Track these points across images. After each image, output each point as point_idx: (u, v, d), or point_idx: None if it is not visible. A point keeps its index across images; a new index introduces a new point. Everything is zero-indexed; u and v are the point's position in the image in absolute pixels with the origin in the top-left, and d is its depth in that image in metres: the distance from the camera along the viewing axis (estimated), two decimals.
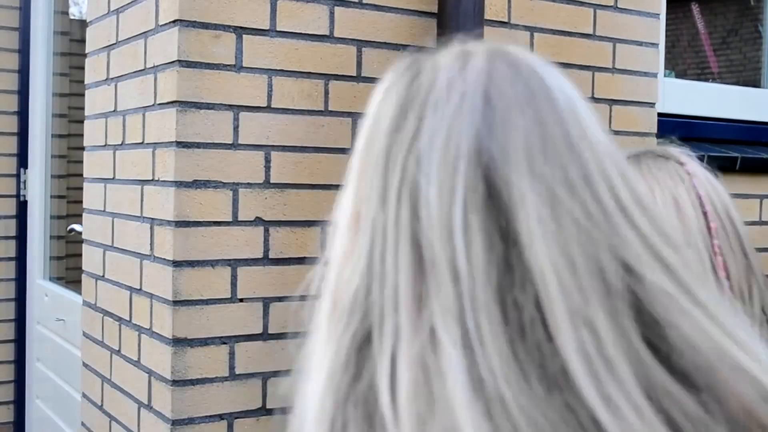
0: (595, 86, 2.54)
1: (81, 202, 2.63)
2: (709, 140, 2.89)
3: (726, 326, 0.58)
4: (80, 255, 2.64)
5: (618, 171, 0.62)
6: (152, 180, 2.06)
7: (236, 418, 2.00)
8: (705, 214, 1.00)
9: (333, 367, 0.59)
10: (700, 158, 2.99)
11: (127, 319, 2.22)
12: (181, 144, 1.94)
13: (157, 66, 2.04)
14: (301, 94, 2.07)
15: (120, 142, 2.29)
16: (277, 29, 2.04)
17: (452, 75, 0.63)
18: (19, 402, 4.04)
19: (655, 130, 2.69)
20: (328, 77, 2.10)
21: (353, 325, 0.59)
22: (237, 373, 2.00)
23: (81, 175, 2.63)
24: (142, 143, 2.13)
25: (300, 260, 2.08)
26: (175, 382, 1.94)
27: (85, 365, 2.57)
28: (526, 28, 2.40)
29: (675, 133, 2.78)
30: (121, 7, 2.27)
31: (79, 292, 2.73)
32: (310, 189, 2.08)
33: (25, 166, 4.02)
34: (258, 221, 2.03)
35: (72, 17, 4.14)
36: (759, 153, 2.94)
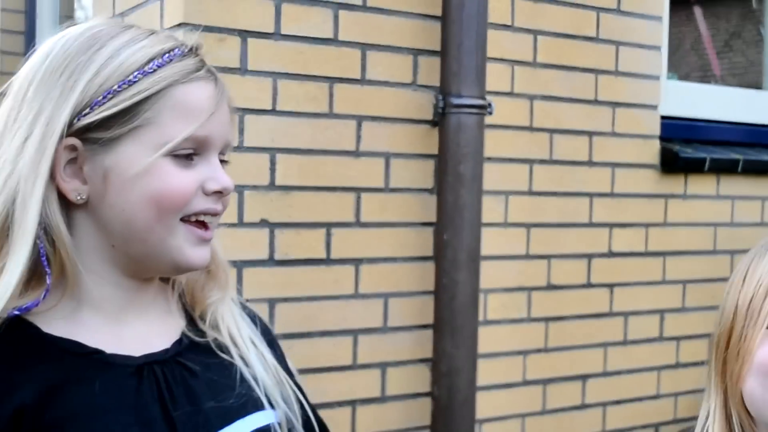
0: (598, 89, 2.55)
1: None
2: (711, 142, 2.89)
3: None
4: None
5: None
6: None
7: None
8: None
9: None
10: (702, 160, 2.98)
11: None
12: None
13: None
14: (305, 96, 2.08)
15: None
16: (282, 32, 2.05)
17: None
18: None
19: (657, 132, 2.69)
20: (332, 80, 2.11)
21: None
22: None
23: None
24: None
25: (305, 261, 2.09)
26: None
27: None
28: (530, 31, 2.41)
29: (677, 136, 2.80)
30: (126, 10, 2.28)
31: None
32: (315, 191, 2.09)
33: None
34: (263, 223, 2.04)
35: (78, 21, 4.15)
36: (761, 155, 2.94)
